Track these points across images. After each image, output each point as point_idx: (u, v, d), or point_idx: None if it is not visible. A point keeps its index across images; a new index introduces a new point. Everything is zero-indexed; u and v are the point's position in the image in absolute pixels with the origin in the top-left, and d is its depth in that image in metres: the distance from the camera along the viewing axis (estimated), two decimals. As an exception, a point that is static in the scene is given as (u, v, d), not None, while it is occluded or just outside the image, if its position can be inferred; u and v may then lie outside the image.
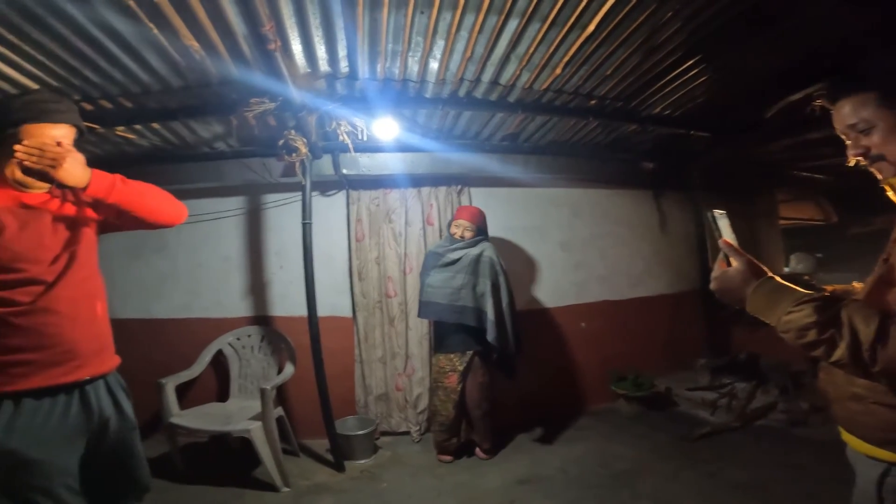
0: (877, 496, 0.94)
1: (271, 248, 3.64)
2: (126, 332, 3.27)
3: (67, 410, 1.38)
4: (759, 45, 2.46)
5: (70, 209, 1.49)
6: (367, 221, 3.66)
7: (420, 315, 3.21)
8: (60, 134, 1.38)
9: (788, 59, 2.60)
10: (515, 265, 3.92)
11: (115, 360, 1.56)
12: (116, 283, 3.43)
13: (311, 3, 1.90)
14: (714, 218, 1.09)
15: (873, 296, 0.95)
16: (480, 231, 3.23)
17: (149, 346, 3.42)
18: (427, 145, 3.41)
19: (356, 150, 3.23)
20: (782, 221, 5.85)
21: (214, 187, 3.54)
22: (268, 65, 2.19)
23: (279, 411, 3.02)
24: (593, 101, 3.06)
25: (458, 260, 3.09)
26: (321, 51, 2.29)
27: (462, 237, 3.15)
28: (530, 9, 2.03)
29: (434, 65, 2.49)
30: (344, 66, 2.44)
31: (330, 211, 3.66)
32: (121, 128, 2.84)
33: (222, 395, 3.37)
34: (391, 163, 3.52)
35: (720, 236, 1.07)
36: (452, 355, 3.06)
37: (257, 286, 3.62)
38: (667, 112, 3.34)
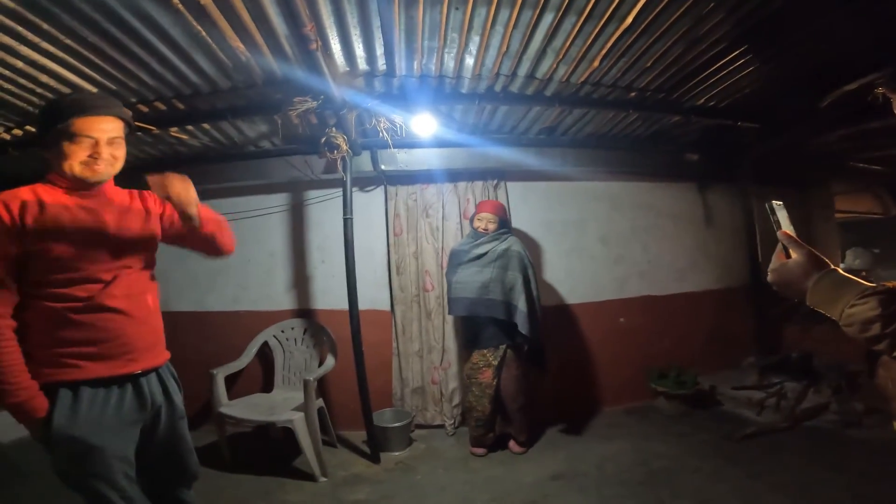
0: None
1: (314, 243, 3.76)
2: (180, 324, 3.51)
3: (122, 400, 1.43)
4: (808, 35, 2.35)
5: (134, 214, 1.57)
6: (405, 216, 3.72)
7: (450, 312, 3.23)
8: (109, 127, 1.43)
9: (843, 48, 2.47)
10: (553, 259, 3.92)
11: (166, 355, 1.61)
12: (171, 277, 3.61)
13: (348, 2, 1.95)
14: (773, 209, 1.05)
15: None
16: (503, 223, 3.23)
17: (201, 337, 3.59)
18: (463, 140, 3.43)
19: (394, 147, 3.28)
20: (838, 215, 5.53)
21: (260, 185, 3.68)
22: (309, 64, 2.26)
23: (320, 402, 3.07)
24: (633, 94, 3.00)
25: (484, 254, 3.09)
26: (359, 49, 2.33)
27: (486, 230, 3.15)
28: (566, 2, 2.02)
29: (470, 60, 2.50)
30: (381, 63, 2.49)
31: (369, 206, 3.74)
32: (174, 129, 2.99)
33: (267, 385, 3.49)
34: (428, 158, 3.56)
35: (779, 227, 1.03)
36: (486, 351, 3.07)
37: (300, 280, 3.75)
38: (711, 103, 3.23)
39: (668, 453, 2.97)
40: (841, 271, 0.94)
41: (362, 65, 2.50)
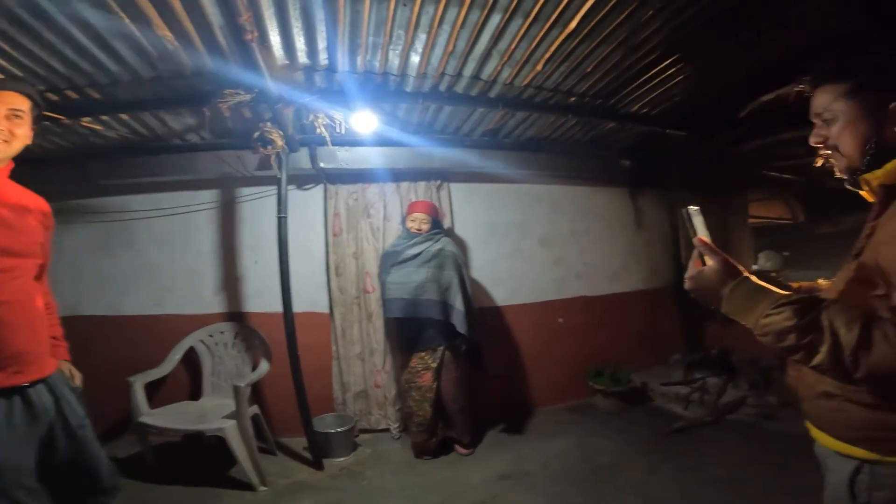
0: (849, 493, 0.94)
1: (246, 242, 3.55)
2: (93, 329, 3.22)
3: (11, 412, 1.33)
4: (735, 46, 2.50)
5: (28, 216, 1.42)
6: (345, 216, 3.61)
7: (386, 314, 3.16)
8: (9, 100, 1.33)
9: (763, 60, 2.65)
10: (496, 260, 3.95)
11: (54, 364, 1.51)
12: (83, 278, 3.33)
13: (290, -7, 1.85)
14: (689, 215, 1.05)
15: (850, 296, 0.94)
16: (436, 224, 3.22)
17: (118, 343, 3.32)
18: (407, 140, 3.38)
19: (334, 144, 3.18)
20: (752, 220, 6.00)
21: (187, 180, 3.43)
22: (244, 56, 2.14)
23: (254, 409, 2.98)
24: (573, 99, 3.08)
25: (419, 254, 3.05)
26: (300, 42, 2.24)
27: (420, 230, 3.11)
28: (513, 4, 2.03)
29: (415, 58, 2.46)
30: (323, 58, 2.40)
31: (307, 205, 3.60)
32: (87, 119, 2.73)
33: (195, 393, 3.29)
34: (370, 157, 3.47)
35: (695, 234, 1.04)
36: (423, 353, 3.03)
37: (231, 282, 3.54)
38: (644, 110, 3.38)
39: (609, 449, 3.07)
40: (755, 279, 0.96)
41: (303, 58, 2.40)
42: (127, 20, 1.87)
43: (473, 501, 2.56)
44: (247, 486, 2.70)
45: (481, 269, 3.87)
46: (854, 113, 0.95)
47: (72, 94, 2.50)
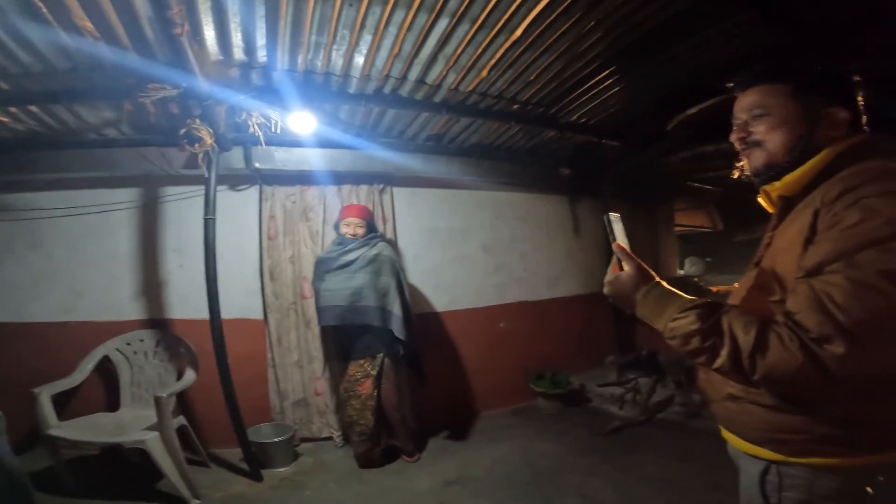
0: (760, 494, 0.97)
1: (169, 245, 3.30)
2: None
3: None
4: (666, 60, 2.64)
5: None
6: (282, 219, 3.45)
7: (321, 322, 3.03)
8: None
9: (692, 74, 2.81)
10: (438, 266, 3.93)
11: None
12: (-20, 283, 2.96)
13: (229, -13, 1.75)
14: (609, 221, 1.09)
15: (751, 302, 0.99)
16: (371, 228, 3.17)
17: (23, 352, 3.01)
18: (349, 142, 3.29)
19: (272, 144, 3.06)
20: (678, 228, 6.40)
21: (102, 177, 3.15)
22: (173, 50, 1.99)
23: (181, 420, 2.83)
24: (516, 106, 3.12)
25: (354, 261, 2.98)
26: (237, 38, 2.13)
27: (355, 235, 3.04)
28: (461, 9, 2.03)
29: (359, 59, 2.40)
30: (262, 55, 2.29)
31: (241, 207, 3.41)
32: None
33: (112, 404, 3.04)
34: (310, 158, 3.34)
35: (614, 239, 1.07)
36: (362, 361, 2.95)
37: (152, 286, 3.27)
38: (583, 120, 3.49)
39: (550, 452, 3.14)
40: (666, 285, 0.99)
41: (239, 55, 2.28)
42: (44, 9, 1.69)
43: (421, 509, 2.53)
44: (178, 500, 2.55)
45: (424, 275, 3.83)
46: (790, 112, 0.99)
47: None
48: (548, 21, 2.13)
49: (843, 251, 0.78)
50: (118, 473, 2.87)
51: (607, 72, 2.73)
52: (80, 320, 3.17)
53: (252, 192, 3.45)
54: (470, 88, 2.80)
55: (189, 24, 1.88)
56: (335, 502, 2.63)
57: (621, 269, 1.06)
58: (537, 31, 2.22)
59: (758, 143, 1.03)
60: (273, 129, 2.82)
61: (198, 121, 2.60)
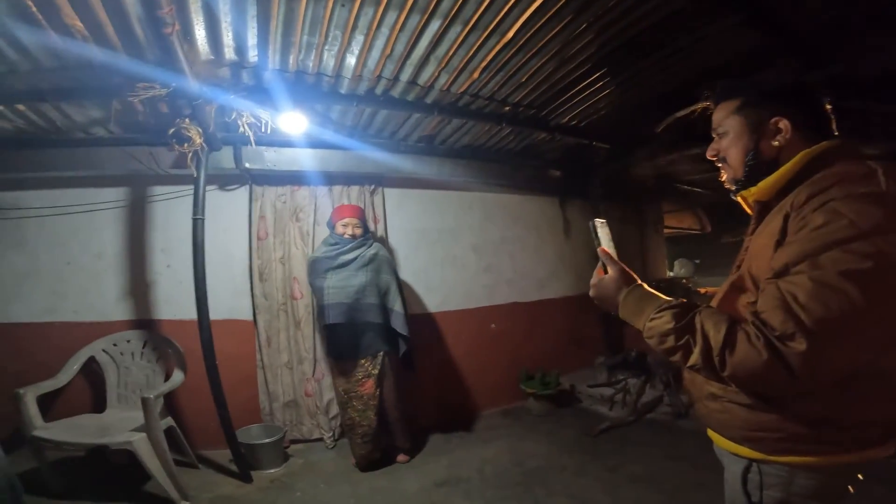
0: (743, 492, 1.00)
1: (157, 245, 3.27)
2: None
3: None
4: (655, 62, 2.66)
5: None
6: (272, 219, 3.43)
7: (328, 319, 2.96)
8: None
9: (680, 77, 2.84)
10: (428, 267, 3.93)
11: None
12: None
13: (221, -14, 1.74)
14: (595, 227, 1.15)
15: (728, 303, 1.02)
16: (366, 227, 3.19)
17: (4, 353, 2.97)
18: (340, 142, 3.28)
19: (262, 144, 3.03)
20: (667, 230, 6.47)
21: (89, 176, 3.11)
22: (163, 49, 1.97)
23: (168, 421, 2.81)
24: (507, 108, 3.13)
25: (354, 260, 2.98)
26: (228, 38, 2.12)
27: (353, 235, 3.03)
28: (453, 11, 2.03)
29: (351, 60, 2.40)
30: (253, 55, 2.28)
31: (230, 207, 3.38)
32: None
33: (99, 405, 3.00)
34: (300, 158, 3.32)
35: (599, 244, 1.13)
36: (363, 360, 2.93)
37: (139, 287, 3.23)
38: (573, 122, 3.51)
39: (540, 452, 3.15)
40: (646, 287, 1.04)
41: (230, 54, 2.27)
42: (33, 7, 1.67)
43: (411, 510, 2.53)
44: (166, 501, 2.53)
45: (414, 276, 3.83)
46: (739, 128, 1.04)
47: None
48: (539, 23, 2.14)
49: (808, 252, 0.81)
50: (105, 475, 2.84)
51: (598, 74, 2.75)
52: (64, 321, 3.12)
53: (242, 193, 3.42)
54: (461, 90, 2.81)
55: (180, 23, 1.86)
56: (325, 503, 2.62)
57: (606, 272, 1.11)
58: (529, 34, 2.23)
59: (724, 160, 1.08)
60: (263, 129, 2.80)
61: (187, 120, 2.58)
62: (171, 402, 3.03)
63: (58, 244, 3.13)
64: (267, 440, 3.02)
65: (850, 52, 2.52)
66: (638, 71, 2.75)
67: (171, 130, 2.58)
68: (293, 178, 3.45)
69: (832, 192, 0.84)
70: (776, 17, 2.25)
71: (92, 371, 3.02)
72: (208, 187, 2.87)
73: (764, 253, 0.93)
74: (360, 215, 3.11)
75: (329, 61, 2.39)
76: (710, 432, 1.09)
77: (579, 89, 2.93)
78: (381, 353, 2.96)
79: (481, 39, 2.26)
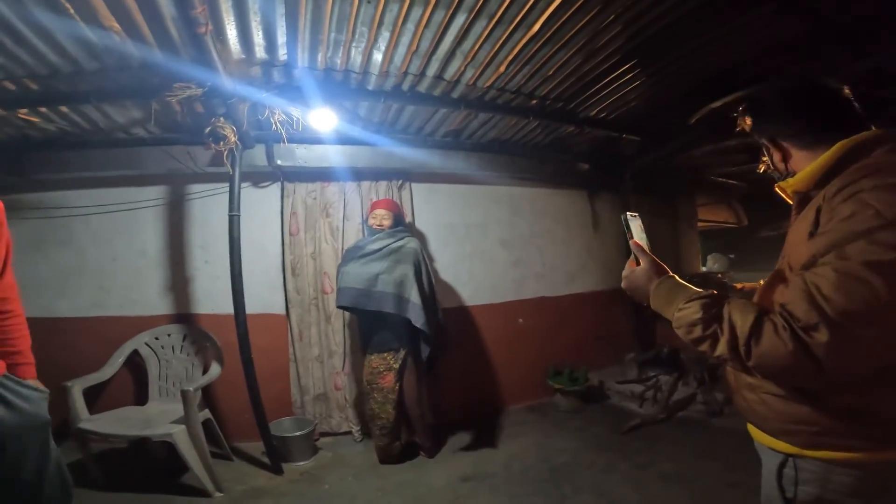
0: (777, 486, 0.98)
1: (195, 241, 3.39)
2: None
3: None
4: (687, 53, 2.59)
5: None
6: (304, 215, 3.50)
7: (338, 302, 3.02)
8: None
9: (714, 67, 2.76)
10: (456, 262, 3.94)
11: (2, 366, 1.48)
12: (16, 278, 3.05)
13: (249, -14, 1.78)
14: (627, 220, 1.16)
15: (767, 292, 1.01)
16: (398, 220, 3.19)
17: (53, 347, 3.04)
18: (368, 138, 3.32)
19: (293, 141, 3.10)
20: (700, 223, 6.29)
21: (130, 175, 3.24)
22: (197, 49, 2.03)
23: (206, 414, 2.87)
24: (534, 101, 3.11)
25: (379, 250, 3.01)
26: (258, 37, 2.16)
27: (381, 226, 3.08)
28: (478, 5, 2.03)
29: (378, 56, 2.42)
30: (282, 53, 2.32)
31: (263, 203, 3.47)
32: (24, 110, 2.56)
33: (141, 398, 3.12)
34: (330, 155, 3.38)
35: (631, 237, 1.14)
36: (386, 354, 2.97)
37: (179, 282, 3.36)
38: (602, 115, 3.45)
39: (567, 448, 3.13)
40: (677, 278, 1.04)
41: (260, 53, 2.32)
42: (71, 10, 1.75)
43: (437, 504, 2.54)
44: (201, 493, 2.60)
45: (443, 271, 3.85)
46: (763, 143, 1.12)
47: (9, 85, 2.34)
48: (566, 16, 2.12)
49: (834, 243, 0.81)
50: (144, 466, 2.93)
51: (627, 66, 2.69)
52: (109, 315, 3.26)
53: (274, 189, 3.51)
54: (488, 84, 2.80)
55: (212, 23, 1.91)
56: (352, 496, 2.65)
57: (638, 264, 1.12)
58: (555, 27, 2.20)
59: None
60: (294, 127, 2.85)
61: (222, 119, 2.66)
62: (207, 395, 3.12)
63: (103, 241, 3.28)
64: (298, 433, 3.08)
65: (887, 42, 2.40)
66: (669, 62, 2.69)
67: (208, 129, 2.66)
68: (323, 175, 3.51)
69: (862, 182, 0.84)
70: (809, 4, 2.16)
71: (134, 364, 3.13)
72: (242, 184, 2.95)
73: (799, 244, 0.92)
74: (390, 207, 3.15)
75: (356, 58, 2.42)
76: (750, 427, 1.08)
77: (608, 81, 2.87)
78: (404, 349, 2.98)
79: (507, 33, 2.24)
